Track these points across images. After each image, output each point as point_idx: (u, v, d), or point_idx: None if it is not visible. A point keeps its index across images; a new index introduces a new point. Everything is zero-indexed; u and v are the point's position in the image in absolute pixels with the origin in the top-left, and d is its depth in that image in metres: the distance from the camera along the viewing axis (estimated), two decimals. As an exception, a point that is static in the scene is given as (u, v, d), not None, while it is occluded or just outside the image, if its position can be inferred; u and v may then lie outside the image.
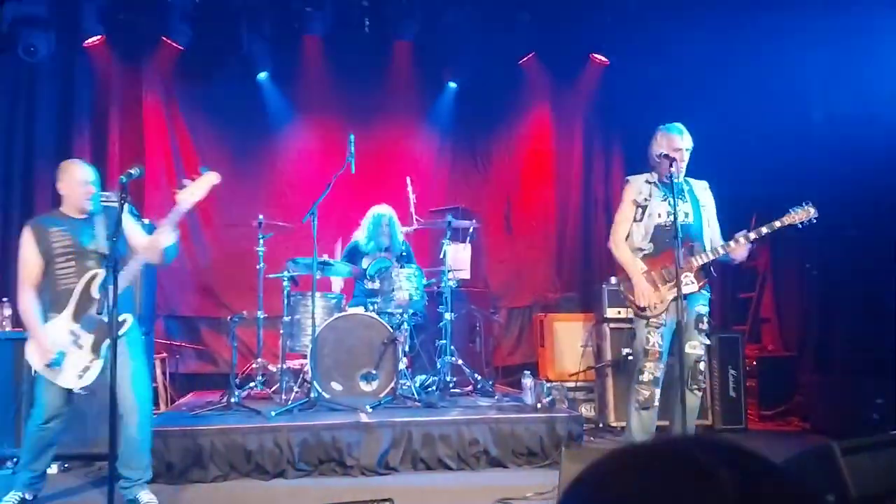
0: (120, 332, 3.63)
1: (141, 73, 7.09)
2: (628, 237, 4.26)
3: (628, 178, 4.44)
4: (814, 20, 5.92)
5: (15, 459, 4.98)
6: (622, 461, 0.63)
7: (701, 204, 4.26)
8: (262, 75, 7.40)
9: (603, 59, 7.54)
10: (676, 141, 4.18)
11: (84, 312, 3.75)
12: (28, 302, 3.81)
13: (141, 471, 3.92)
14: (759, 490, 0.57)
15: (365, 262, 6.15)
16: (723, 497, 0.56)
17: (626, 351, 5.67)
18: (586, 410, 6.08)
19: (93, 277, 3.78)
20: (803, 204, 4.09)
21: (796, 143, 6.57)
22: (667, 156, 4.07)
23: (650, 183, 4.27)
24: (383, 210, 6.31)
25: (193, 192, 3.73)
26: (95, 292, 3.76)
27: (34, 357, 3.79)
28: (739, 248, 4.13)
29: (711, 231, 4.29)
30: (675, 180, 4.08)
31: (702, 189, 4.33)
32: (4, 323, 5.35)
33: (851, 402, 5.45)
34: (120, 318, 3.64)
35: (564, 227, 7.63)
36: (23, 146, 6.67)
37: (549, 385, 5.78)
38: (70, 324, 3.75)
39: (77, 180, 3.88)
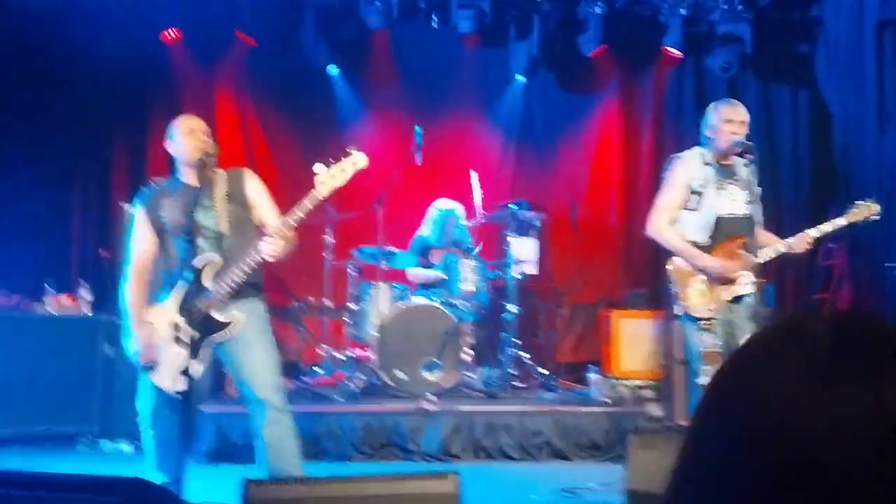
0: (225, 333, 3.23)
1: (214, 66, 7.26)
2: (674, 223, 3.84)
3: (679, 155, 3.95)
4: None
5: (90, 436, 5.17)
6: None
7: (755, 193, 3.84)
8: (332, 70, 7.49)
9: (676, 52, 7.38)
10: (741, 112, 3.81)
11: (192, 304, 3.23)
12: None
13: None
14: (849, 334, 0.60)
15: (434, 257, 6.18)
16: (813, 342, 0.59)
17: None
18: (653, 409, 5.95)
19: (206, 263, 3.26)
20: (865, 199, 3.77)
21: (876, 138, 6.35)
22: (736, 133, 3.73)
23: (707, 165, 3.81)
24: (449, 204, 6.33)
25: (335, 175, 3.10)
26: (208, 283, 3.23)
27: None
28: (800, 247, 3.78)
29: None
30: (740, 162, 3.81)
31: (753, 175, 3.86)
32: (84, 306, 5.54)
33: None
34: (226, 318, 3.23)
35: (633, 224, 7.49)
36: (99, 136, 6.90)
37: (615, 381, 5.70)
38: (174, 315, 3.23)
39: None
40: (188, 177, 3.37)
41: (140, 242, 3.40)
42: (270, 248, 3.11)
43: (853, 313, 0.63)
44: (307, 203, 3.11)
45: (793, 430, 0.55)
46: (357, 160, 3.11)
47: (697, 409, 0.64)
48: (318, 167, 3.12)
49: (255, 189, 3.43)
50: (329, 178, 3.09)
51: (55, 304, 5.45)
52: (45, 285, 5.50)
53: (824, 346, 0.58)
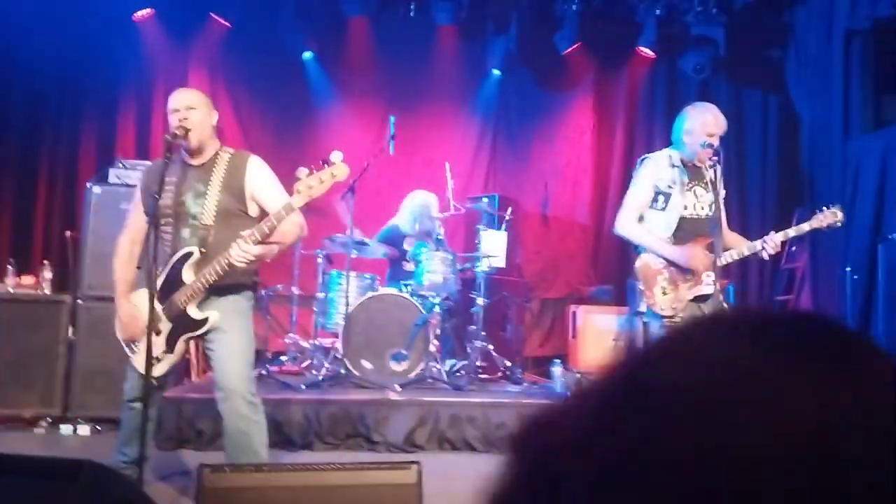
0: (200, 331, 3.19)
1: (188, 48, 7.17)
2: (641, 221, 3.92)
3: (648, 156, 4.04)
4: None
5: (49, 419, 5.10)
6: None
7: (719, 194, 3.88)
8: (307, 55, 7.44)
9: (649, 52, 7.44)
10: (722, 124, 3.86)
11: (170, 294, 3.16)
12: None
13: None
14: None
15: (406, 245, 6.17)
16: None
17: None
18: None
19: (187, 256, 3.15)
20: (830, 206, 3.86)
21: (842, 145, 6.46)
22: (711, 145, 3.78)
23: (675, 167, 3.89)
24: (426, 196, 6.35)
25: (313, 185, 3.00)
26: (188, 276, 3.14)
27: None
28: (766, 250, 3.84)
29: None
30: (709, 168, 3.84)
31: (719, 177, 3.92)
32: (45, 286, 5.45)
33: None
34: (201, 316, 3.16)
35: (602, 221, 7.56)
36: (70, 116, 6.80)
37: (579, 375, 5.77)
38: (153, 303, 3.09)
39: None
40: (186, 157, 3.25)
41: (132, 220, 3.34)
42: (238, 253, 2.98)
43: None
44: (283, 212, 3.03)
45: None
46: (337, 172, 3.01)
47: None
48: (300, 172, 3.02)
49: (255, 181, 3.25)
50: (306, 188, 2.99)
51: (15, 284, 5.35)
52: (9, 266, 5.40)
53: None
